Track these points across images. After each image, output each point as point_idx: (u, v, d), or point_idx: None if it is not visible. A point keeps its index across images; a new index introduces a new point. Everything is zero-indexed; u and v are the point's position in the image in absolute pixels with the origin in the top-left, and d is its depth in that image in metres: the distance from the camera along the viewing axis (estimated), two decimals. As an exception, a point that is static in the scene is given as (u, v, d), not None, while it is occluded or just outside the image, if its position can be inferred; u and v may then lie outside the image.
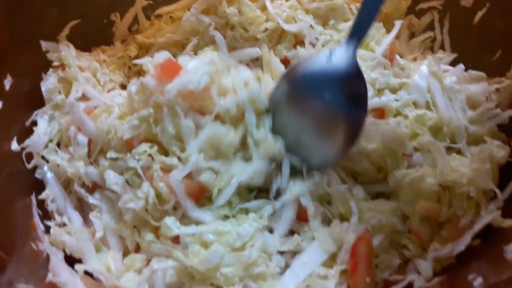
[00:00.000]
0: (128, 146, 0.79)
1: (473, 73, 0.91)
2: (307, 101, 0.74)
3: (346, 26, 0.95)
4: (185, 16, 0.96)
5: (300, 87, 0.75)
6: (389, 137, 0.76)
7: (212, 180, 0.74)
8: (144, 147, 0.75)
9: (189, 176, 0.74)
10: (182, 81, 0.73)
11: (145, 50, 1.03)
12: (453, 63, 0.95)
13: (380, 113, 0.84)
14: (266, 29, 0.93)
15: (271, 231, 0.76)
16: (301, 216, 0.76)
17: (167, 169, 0.74)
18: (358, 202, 0.76)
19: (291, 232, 0.76)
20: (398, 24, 0.97)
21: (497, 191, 0.73)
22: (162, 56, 0.77)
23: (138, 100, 0.78)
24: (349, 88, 0.73)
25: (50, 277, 0.66)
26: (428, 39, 1.02)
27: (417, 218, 0.74)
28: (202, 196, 0.76)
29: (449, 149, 0.81)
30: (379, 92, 0.87)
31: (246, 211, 0.76)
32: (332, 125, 0.74)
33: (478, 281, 0.64)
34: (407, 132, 0.78)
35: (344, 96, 0.72)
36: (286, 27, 0.91)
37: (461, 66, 0.90)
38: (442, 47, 1.01)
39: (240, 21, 0.95)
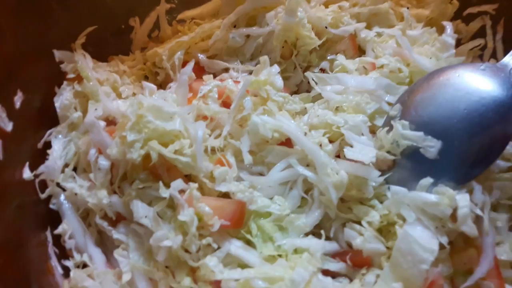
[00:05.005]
0: (154, 174, 0.69)
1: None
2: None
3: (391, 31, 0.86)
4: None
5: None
6: None
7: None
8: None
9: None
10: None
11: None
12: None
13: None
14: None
15: (324, 272, 0.66)
16: (357, 262, 0.67)
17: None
18: None
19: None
20: (449, 26, 0.86)
21: None
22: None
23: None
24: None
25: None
26: (478, 46, 0.93)
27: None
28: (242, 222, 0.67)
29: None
30: None
31: (296, 250, 0.66)
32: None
33: None
34: None
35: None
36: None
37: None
38: (493, 56, 0.92)
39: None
